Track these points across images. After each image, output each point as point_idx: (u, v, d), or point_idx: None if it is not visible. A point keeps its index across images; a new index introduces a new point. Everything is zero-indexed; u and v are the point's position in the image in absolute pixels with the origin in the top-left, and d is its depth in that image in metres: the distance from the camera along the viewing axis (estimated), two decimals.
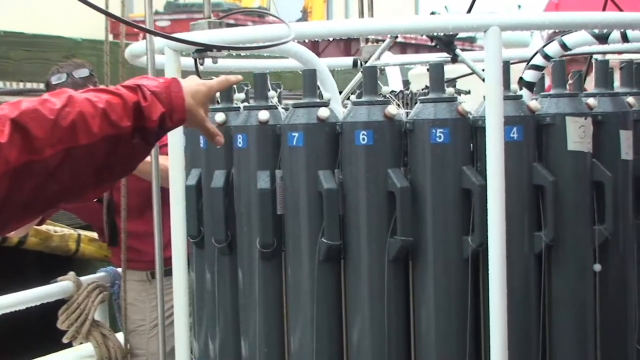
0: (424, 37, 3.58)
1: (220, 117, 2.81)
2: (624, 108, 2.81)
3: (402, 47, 17.70)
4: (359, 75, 3.35)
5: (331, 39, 2.90)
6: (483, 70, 2.65)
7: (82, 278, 4.29)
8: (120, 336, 4.30)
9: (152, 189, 3.16)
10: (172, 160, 2.87)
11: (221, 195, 2.82)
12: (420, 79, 3.42)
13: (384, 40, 3.75)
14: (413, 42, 18.79)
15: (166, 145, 2.90)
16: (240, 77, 2.37)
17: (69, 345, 4.30)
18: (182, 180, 2.89)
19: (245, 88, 2.99)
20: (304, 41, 2.95)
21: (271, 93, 2.83)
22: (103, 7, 3.18)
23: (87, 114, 1.94)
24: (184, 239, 2.89)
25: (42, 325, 4.39)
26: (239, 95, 2.95)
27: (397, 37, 3.64)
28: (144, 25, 2.71)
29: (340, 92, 3.26)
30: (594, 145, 2.71)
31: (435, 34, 3.28)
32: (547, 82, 2.99)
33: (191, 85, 2.16)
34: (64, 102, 1.94)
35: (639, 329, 2.86)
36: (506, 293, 2.53)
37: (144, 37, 3.10)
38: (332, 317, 2.73)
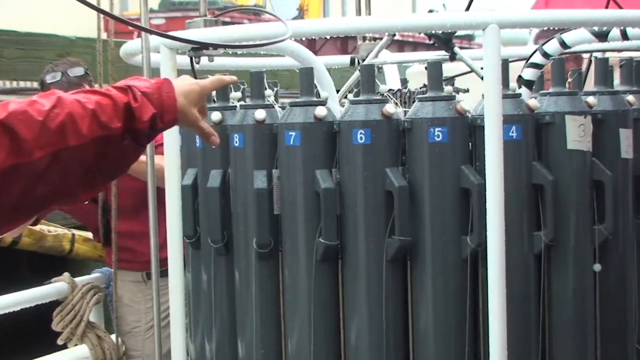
0: (422, 35, 3.58)
1: (216, 116, 2.81)
2: (623, 106, 2.81)
3: (400, 45, 17.72)
4: (357, 73, 3.35)
5: (328, 37, 2.90)
6: (482, 68, 2.65)
7: (77, 279, 4.29)
8: (114, 337, 4.30)
9: (148, 189, 3.16)
10: (168, 159, 2.87)
11: (217, 195, 2.82)
12: (418, 78, 3.42)
13: (381, 38, 3.75)
14: (411, 40, 18.82)
15: (162, 145, 2.91)
16: (234, 77, 2.36)
17: (64, 347, 4.29)
18: (178, 180, 2.89)
19: (242, 87, 2.99)
20: (301, 39, 2.95)
21: (268, 92, 2.83)
22: (98, 5, 3.18)
23: (77, 115, 1.93)
24: (180, 239, 2.89)
25: (37, 327, 4.39)
26: (235, 94, 2.95)
27: (394, 35, 3.64)
28: (139, 24, 2.71)
29: (338, 91, 3.26)
30: (594, 144, 2.72)
31: (433, 31, 3.27)
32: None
33: (184, 85, 2.15)
34: (53, 104, 1.93)
35: (638, 329, 2.86)
36: (505, 293, 2.53)
37: (139, 36, 3.10)
38: (330, 317, 2.73)
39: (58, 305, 4.21)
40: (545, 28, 2.71)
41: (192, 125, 2.19)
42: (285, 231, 2.75)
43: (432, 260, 2.64)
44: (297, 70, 2.82)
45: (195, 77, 2.38)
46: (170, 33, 2.72)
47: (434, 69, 2.71)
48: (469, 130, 2.66)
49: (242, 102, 2.92)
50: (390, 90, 2.98)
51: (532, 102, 2.68)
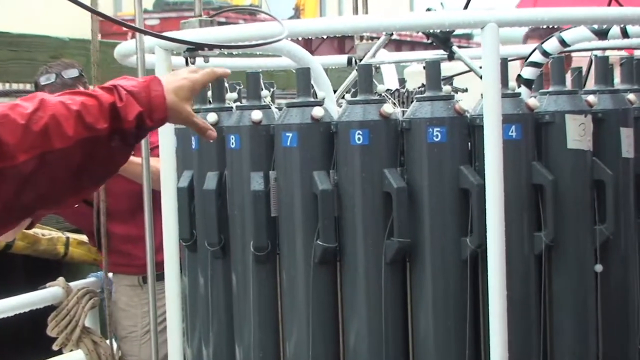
0: (420, 34, 3.59)
1: (212, 117, 2.82)
2: (624, 105, 2.82)
3: (398, 45, 17.75)
4: (354, 73, 3.35)
5: (325, 37, 2.90)
6: (480, 67, 2.66)
7: (71, 283, 4.28)
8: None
9: (143, 192, 3.16)
10: (164, 162, 2.87)
11: (214, 198, 2.83)
12: (416, 77, 3.43)
13: (379, 38, 3.76)
14: (409, 39, 18.85)
15: (157, 147, 2.91)
16: (227, 70, 2.35)
17: (59, 352, 4.29)
18: (174, 183, 2.89)
19: (238, 87, 3.00)
20: (297, 39, 2.95)
21: (264, 92, 2.83)
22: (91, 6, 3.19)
23: (61, 116, 1.93)
24: (176, 242, 2.90)
25: (31, 333, 4.38)
26: (231, 95, 2.95)
27: (392, 34, 3.64)
28: (133, 24, 2.72)
29: (335, 91, 3.26)
30: (594, 143, 2.72)
31: (431, 30, 3.28)
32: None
33: (174, 80, 2.13)
34: (35, 106, 1.92)
35: None
36: (506, 295, 2.54)
37: (133, 37, 3.11)
38: (328, 321, 2.73)
39: (53, 310, 4.21)
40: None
41: (185, 121, 2.18)
42: (282, 234, 2.75)
43: (431, 262, 2.65)
44: (294, 71, 2.83)
45: None
46: (165, 34, 2.72)
47: (432, 68, 2.71)
48: (468, 130, 2.66)
49: (238, 103, 2.92)
50: (388, 90, 2.98)
51: (532, 101, 2.69)
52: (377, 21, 2.75)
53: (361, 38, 3.90)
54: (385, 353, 2.67)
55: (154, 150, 3.18)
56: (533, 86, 2.99)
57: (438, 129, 2.61)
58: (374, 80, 2.77)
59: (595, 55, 3.12)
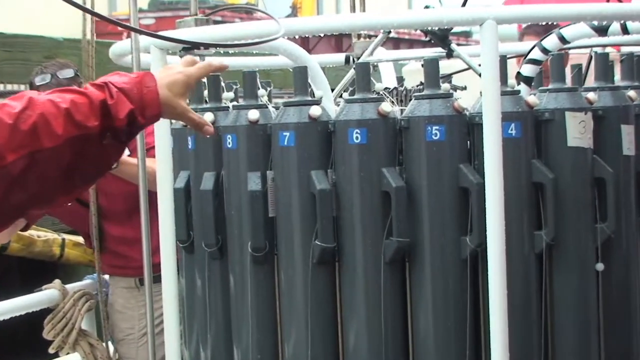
0: (418, 32, 3.59)
1: (209, 117, 2.81)
2: (625, 102, 2.82)
3: (396, 43, 17.74)
4: (352, 72, 3.35)
5: (322, 35, 2.90)
6: (479, 65, 2.66)
7: (68, 286, 4.28)
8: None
9: (139, 193, 3.16)
10: (160, 162, 2.87)
11: (211, 198, 2.83)
12: (414, 75, 3.43)
13: (376, 36, 3.76)
14: (407, 37, 18.84)
15: (153, 147, 2.91)
16: (225, 64, 2.33)
17: (56, 355, 4.29)
18: (170, 183, 2.89)
19: (234, 87, 3.00)
20: (294, 38, 2.95)
21: (261, 92, 2.83)
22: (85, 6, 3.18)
23: (50, 115, 1.92)
24: (173, 243, 2.90)
25: (27, 335, 4.38)
26: (227, 95, 2.95)
27: (390, 32, 3.64)
28: (128, 24, 2.72)
29: (332, 90, 3.26)
30: (595, 140, 2.72)
31: (429, 28, 3.28)
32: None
33: (167, 76, 2.12)
34: (23, 105, 1.92)
35: None
36: (506, 294, 2.54)
37: (128, 36, 3.10)
38: (327, 322, 2.73)
39: (49, 313, 4.20)
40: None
41: (180, 117, 2.17)
42: (280, 234, 2.75)
43: (431, 262, 2.65)
44: (291, 70, 2.83)
45: None
46: (161, 33, 2.72)
47: (430, 66, 2.71)
48: (467, 128, 2.66)
49: (234, 103, 2.92)
50: (386, 88, 2.99)
51: (532, 99, 2.69)
52: (374, 19, 2.75)
53: (359, 36, 3.91)
54: (384, 354, 2.67)
55: (150, 150, 3.17)
56: (532, 83, 2.99)
57: (437, 128, 2.61)
58: (371, 78, 2.77)
59: (595, 52, 3.12)
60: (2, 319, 4.10)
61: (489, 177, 2.52)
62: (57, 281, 4.27)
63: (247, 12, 16.15)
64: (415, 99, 2.70)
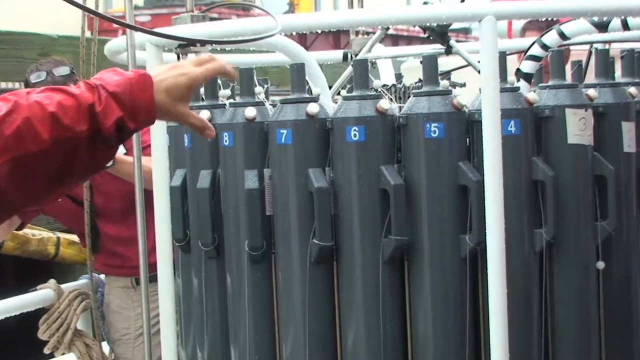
0: (417, 28, 3.60)
1: (205, 114, 2.81)
2: (625, 99, 2.82)
3: (394, 39, 17.75)
4: (350, 69, 3.36)
5: (320, 32, 2.90)
6: (478, 61, 2.66)
7: (63, 285, 4.28)
8: (103, 345, 4.30)
9: (135, 192, 3.16)
10: (156, 160, 2.87)
11: (207, 197, 2.82)
12: (413, 72, 3.43)
13: (374, 33, 3.76)
14: (405, 33, 18.85)
15: (149, 145, 2.91)
16: (236, 72, 2.23)
17: (51, 356, 4.29)
18: (166, 182, 2.89)
19: (231, 84, 2.99)
20: (292, 34, 2.95)
21: (258, 89, 2.83)
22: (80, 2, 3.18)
23: (34, 118, 1.89)
24: (169, 243, 2.90)
25: (22, 336, 4.38)
26: (224, 92, 2.95)
27: (388, 28, 3.65)
28: (123, 21, 2.72)
29: (330, 87, 3.26)
30: (595, 138, 2.72)
31: (428, 24, 3.28)
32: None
33: (168, 78, 2.03)
34: (9, 108, 1.89)
35: None
36: (506, 293, 2.54)
37: (124, 33, 3.10)
38: (325, 321, 2.73)
39: (44, 313, 4.20)
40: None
41: (179, 122, 2.11)
42: (277, 233, 2.75)
43: (430, 261, 2.65)
44: (288, 67, 2.83)
45: None
46: (156, 29, 2.72)
47: (429, 63, 2.71)
48: (466, 125, 2.66)
49: (231, 100, 2.92)
50: (384, 85, 2.98)
51: (531, 96, 2.69)
52: (372, 15, 2.75)
53: (357, 33, 3.91)
54: (383, 354, 2.67)
55: (146, 149, 3.17)
56: (532, 80, 2.99)
57: (436, 125, 2.61)
58: (370, 75, 2.77)
59: (596, 48, 3.12)
60: None
61: (489, 174, 2.52)
62: (52, 281, 4.27)
63: (244, 9, 16.13)
64: (413, 96, 2.70)
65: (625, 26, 3.05)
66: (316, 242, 2.66)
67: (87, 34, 3.96)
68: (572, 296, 2.72)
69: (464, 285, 2.65)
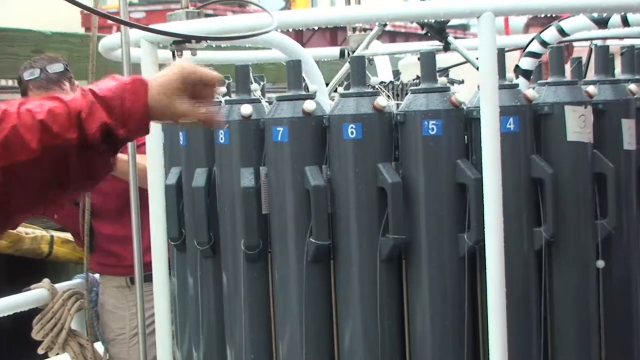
0: (415, 24, 3.59)
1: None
2: (625, 96, 2.82)
3: (392, 36, 17.74)
4: (347, 65, 3.35)
5: (316, 28, 2.90)
6: (477, 58, 2.66)
7: (57, 285, 4.28)
8: (98, 345, 4.30)
9: (130, 190, 3.16)
10: (151, 158, 2.87)
11: (203, 195, 2.82)
12: (411, 69, 3.43)
13: (372, 29, 3.76)
14: (403, 30, 18.85)
15: (144, 143, 2.90)
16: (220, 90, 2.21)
17: (45, 356, 4.29)
18: (162, 180, 2.89)
19: (227, 81, 2.99)
20: (288, 31, 2.95)
21: (254, 86, 2.83)
22: None
23: (23, 127, 1.89)
24: (164, 241, 2.89)
25: (16, 336, 4.37)
26: (220, 89, 2.94)
27: (385, 25, 3.65)
28: (118, 17, 2.71)
29: (327, 84, 3.26)
30: (595, 135, 2.72)
31: (426, 21, 3.28)
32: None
33: (161, 75, 2.02)
34: None
35: None
36: (505, 292, 2.54)
37: (118, 30, 3.10)
38: (322, 320, 2.73)
39: (38, 312, 4.20)
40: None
41: (179, 120, 2.07)
42: (274, 231, 2.75)
43: (428, 259, 2.65)
44: (284, 64, 2.82)
45: None
46: (151, 26, 2.72)
47: (427, 59, 2.71)
48: (465, 122, 2.66)
49: (227, 97, 2.92)
50: (381, 82, 2.98)
51: (530, 93, 2.69)
52: (369, 11, 2.75)
53: (354, 29, 3.91)
54: (380, 353, 2.67)
55: (141, 147, 3.17)
56: (532, 77, 2.99)
57: (433, 122, 2.61)
58: (367, 72, 2.77)
59: (596, 45, 3.12)
60: None
61: (487, 172, 2.52)
62: (46, 280, 4.27)
63: (240, 5, 16.12)
64: (411, 93, 2.70)
65: (625, 22, 3.05)
66: (313, 240, 2.65)
67: (82, 30, 3.96)
68: (572, 295, 2.72)
69: (462, 284, 2.65)
